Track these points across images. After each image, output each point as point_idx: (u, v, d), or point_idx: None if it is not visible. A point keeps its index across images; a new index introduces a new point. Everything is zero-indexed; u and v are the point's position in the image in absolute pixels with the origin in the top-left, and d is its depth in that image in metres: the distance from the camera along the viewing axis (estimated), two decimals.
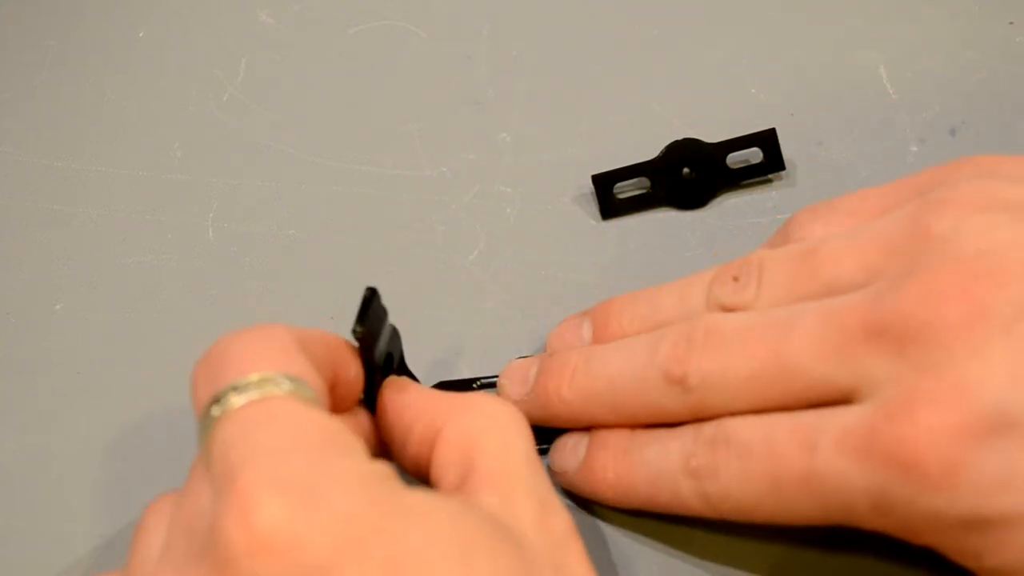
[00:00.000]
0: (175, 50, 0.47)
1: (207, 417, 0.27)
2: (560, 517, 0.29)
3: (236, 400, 0.27)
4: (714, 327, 0.31)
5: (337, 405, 0.31)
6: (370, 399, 0.33)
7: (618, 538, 0.34)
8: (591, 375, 0.33)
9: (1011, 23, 0.46)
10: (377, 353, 0.32)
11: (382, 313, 0.32)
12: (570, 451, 0.34)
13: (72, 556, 0.35)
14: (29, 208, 0.43)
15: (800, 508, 0.29)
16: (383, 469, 0.27)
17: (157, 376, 0.38)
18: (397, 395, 0.32)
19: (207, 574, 0.25)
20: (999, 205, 0.29)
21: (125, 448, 0.37)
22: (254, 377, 0.27)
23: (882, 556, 0.33)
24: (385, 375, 0.33)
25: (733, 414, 0.31)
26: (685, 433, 0.31)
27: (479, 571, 0.26)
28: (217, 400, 0.27)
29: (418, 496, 0.27)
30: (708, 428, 0.31)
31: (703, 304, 0.33)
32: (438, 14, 0.48)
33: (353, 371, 0.31)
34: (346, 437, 0.27)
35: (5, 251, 0.41)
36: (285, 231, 0.42)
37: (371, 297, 0.31)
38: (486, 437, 0.30)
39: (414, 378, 0.36)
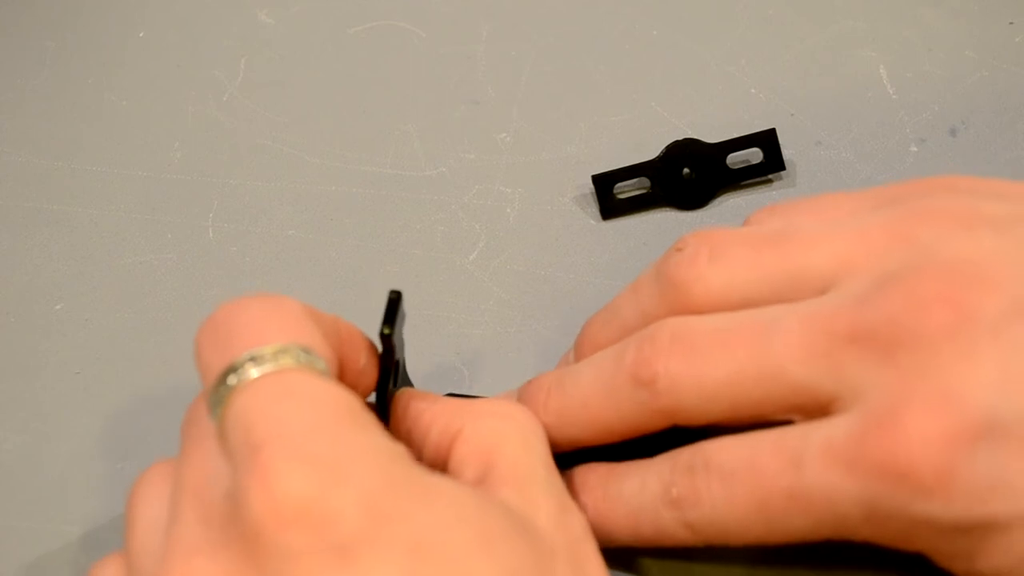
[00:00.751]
0: (175, 50, 0.47)
1: (222, 385, 0.27)
2: (577, 518, 0.29)
3: (254, 371, 0.27)
4: (681, 328, 0.30)
5: None
6: (383, 403, 0.33)
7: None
8: (564, 394, 0.32)
9: (1011, 23, 0.46)
10: (396, 357, 0.32)
11: (403, 317, 0.32)
12: None
13: (72, 556, 0.35)
14: (29, 208, 0.43)
15: (790, 526, 0.29)
16: (401, 449, 0.27)
17: (157, 376, 0.38)
18: (414, 401, 0.32)
19: (230, 546, 0.25)
20: (982, 220, 0.29)
21: (125, 448, 0.37)
22: (270, 348, 0.27)
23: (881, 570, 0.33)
24: (395, 380, 0.33)
25: (710, 422, 0.30)
26: (661, 463, 0.31)
27: (500, 558, 0.26)
28: (234, 369, 0.27)
29: (440, 479, 0.27)
30: (685, 454, 0.30)
31: (654, 290, 0.32)
32: (438, 14, 0.48)
33: (362, 360, 0.31)
34: (365, 413, 0.27)
35: (5, 251, 0.41)
36: (285, 231, 0.42)
37: (396, 300, 0.31)
38: (505, 439, 0.30)
39: (411, 384, 0.36)
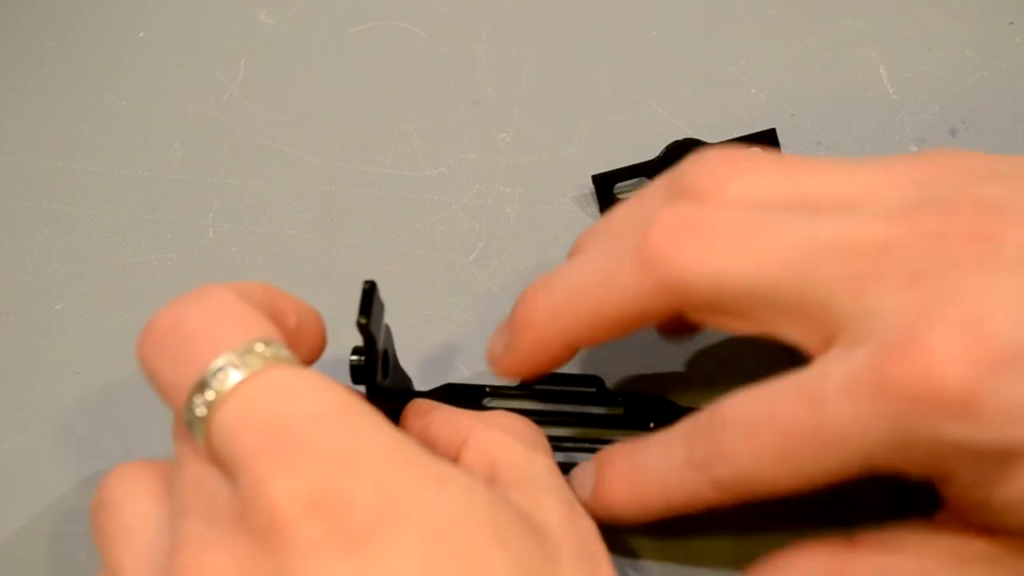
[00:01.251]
0: (175, 50, 0.47)
1: (198, 400, 0.27)
2: (586, 520, 0.29)
3: (225, 382, 0.26)
4: (694, 211, 0.29)
5: None
6: (373, 395, 0.33)
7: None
8: (552, 288, 0.31)
9: (1011, 23, 0.46)
10: (379, 347, 0.32)
11: (381, 307, 0.32)
12: (579, 482, 0.32)
13: (71, 555, 0.35)
14: (29, 208, 0.43)
15: (818, 468, 0.28)
16: (405, 435, 0.27)
17: None
18: (419, 416, 0.33)
19: (242, 541, 0.25)
20: (998, 176, 0.29)
21: (125, 448, 0.37)
22: (233, 354, 0.27)
23: None
24: (384, 373, 0.33)
25: (713, 306, 0.29)
26: (682, 428, 0.30)
27: (510, 549, 0.26)
28: (205, 385, 0.27)
29: (451, 467, 0.27)
30: (703, 416, 0.30)
31: (665, 195, 0.31)
32: (438, 14, 0.48)
33: (293, 320, 0.31)
34: (359, 402, 0.27)
35: (5, 251, 0.41)
36: (285, 231, 0.42)
37: (371, 290, 0.31)
38: (507, 448, 0.30)
39: (408, 378, 0.36)
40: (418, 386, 0.37)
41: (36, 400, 0.38)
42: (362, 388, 0.33)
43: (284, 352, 0.28)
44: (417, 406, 0.33)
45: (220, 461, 0.27)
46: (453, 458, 0.31)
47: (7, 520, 0.35)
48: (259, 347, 0.27)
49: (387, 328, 0.33)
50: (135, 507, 0.28)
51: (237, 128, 0.45)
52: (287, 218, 0.42)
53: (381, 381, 0.33)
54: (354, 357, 0.32)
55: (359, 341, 0.32)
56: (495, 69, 0.46)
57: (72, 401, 0.38)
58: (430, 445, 0.32)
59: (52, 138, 0.44)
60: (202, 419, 0.27)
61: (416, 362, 0.37)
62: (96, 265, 0.41)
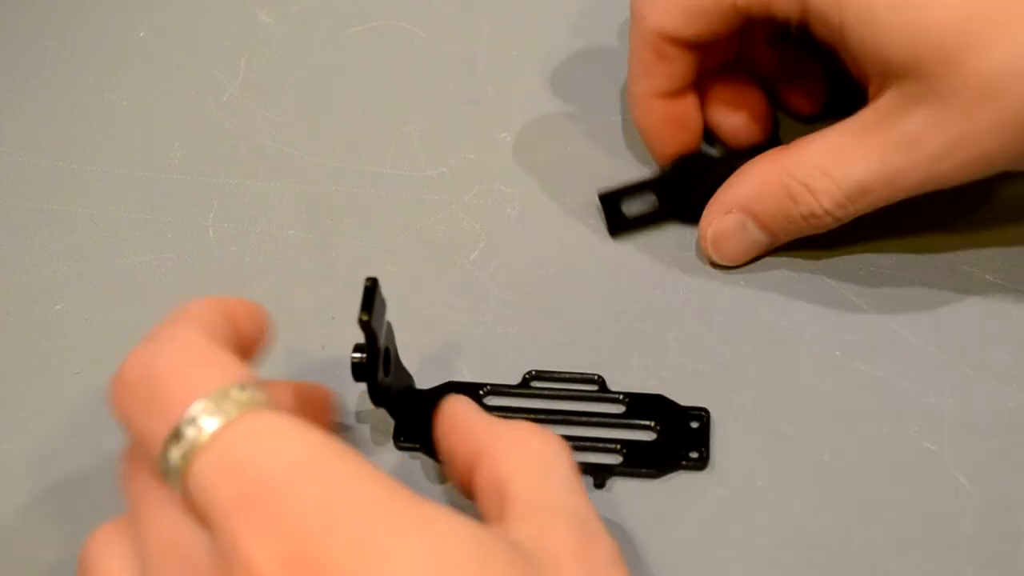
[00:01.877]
0: (175, 50, 0.47)
1: (173, 449, 0.26)
2: (603, 546, 0.28)
3: (201, 431, 0.26)
4: None
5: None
6: (375, 393, 0.33)
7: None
8: None
9: None
10: (380, 344, 0.32)
11: (382, 304, 0.32)
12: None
13: (72, 555, 0.35)
14: (29, 208, 0.43)
15: None
16: (387, 478, 0.26)
17: None
18: (442, 422, 0.32)
19: None
20: None
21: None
22: (209, 400, 0.26)
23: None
24: (386, 371, 0.33)
25: None
26: None
27: None
28: (178, 436, 0.26)
29: (435, 509, 0.26)
30: None
31: None
32: (438, 14, 0.48)
33: (247, 326, 0.30)
34: (339, 447, 0.26)
35: (5, 251, 0.41)
36: (285, 231, 0.42)
37: (372, 287, 0.31)
38: (518, 471, 0.29)
39: (409, 376, 0.36)
40: (419, 384, 0.37)
41: (36, 400, 0.38)
42: (363, 386, 0.33)
43: (260, 396, 0.27)
44: (442, 409, 0.32)
45: (197, 512, 0.26)
46: (469, 473, 0.30)
47: (7, 520, 0.35)
48: (234, 392, 0.26)
49: (389, 325, 0.33)
50: (115, 564, 0.28)
51: (237, 128, 0.45)
52: (287, 218, 0.42)
53: (382, 379, 0.33)
54: (355, 354, 0.32)
55: (360, 339, 0.32)
56: (495, 69, 0.46)
57: (72, 401, 0.38)
58: (449, 454, 0.31)
59: (52, 138, 0.44)
60: (178, 470, 0.26)
61: (416, 361, 0.37)
62: (96, 265, 0.41)
